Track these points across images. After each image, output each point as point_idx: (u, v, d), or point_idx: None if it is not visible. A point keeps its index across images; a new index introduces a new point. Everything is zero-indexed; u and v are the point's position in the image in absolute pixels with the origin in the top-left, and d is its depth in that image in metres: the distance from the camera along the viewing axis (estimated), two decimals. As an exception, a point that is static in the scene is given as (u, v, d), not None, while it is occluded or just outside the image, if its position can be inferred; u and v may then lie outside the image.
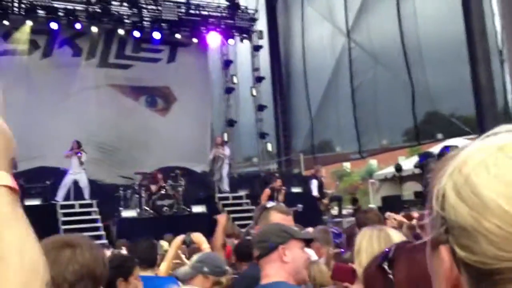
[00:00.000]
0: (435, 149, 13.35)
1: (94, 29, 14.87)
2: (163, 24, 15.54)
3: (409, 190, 13.80)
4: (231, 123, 16.86)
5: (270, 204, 2.70)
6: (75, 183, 12.00)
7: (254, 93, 17.20)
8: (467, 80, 10.60)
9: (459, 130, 12.85)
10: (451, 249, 0.54)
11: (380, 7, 14.74)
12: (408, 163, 15.02)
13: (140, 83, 15.87)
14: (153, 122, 15.79)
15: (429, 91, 13.30)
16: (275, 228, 2.17)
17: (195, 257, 3.18)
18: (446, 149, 12.09)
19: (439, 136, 13.80)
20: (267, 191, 11.39)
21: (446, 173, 0.55)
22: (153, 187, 11.92)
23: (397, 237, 1.98)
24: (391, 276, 1.26)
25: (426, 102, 13.50)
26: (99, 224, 11.52)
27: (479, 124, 10.30)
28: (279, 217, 2.51)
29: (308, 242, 2.26)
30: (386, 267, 1.27)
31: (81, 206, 11.81)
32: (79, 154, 11.82)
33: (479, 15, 10.37)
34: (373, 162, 31.41)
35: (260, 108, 17.16)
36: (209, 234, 5.88)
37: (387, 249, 1.35)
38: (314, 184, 12.69)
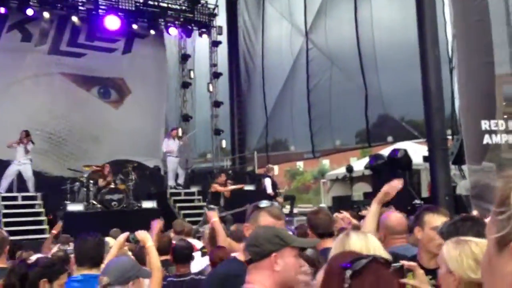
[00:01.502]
0: (386, 151, 13.74)
1: (46, 14, 14.32)
2: (119, 13, 15.15)
3: (359, 191, 14.12)
4: (186, 118, 16.67)
5: (263, 204, 2.52)
6: (19, 174, 11.53)
7: (211, 89, 17.09)
8: (418, 86, 10.91)
9: (408, 134, 13.26)
10: None
11: (338, 11, 14.96)
12: (359, 164, 15.37)
13: (93, 73, 15.42)
14: (106, 114, 15.39)
15: (381, 95, 13.64)
16: (269, 233, 2.05)
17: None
18: (395, 152, 12.47)
19: (390, 139, 14.19)
20: (215, 186, 11.38)
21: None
22: (102, 181, 11.62)
23: (374, 240, 2.01)
24: (345, 285, 1.24)
25: (378, 105, 13.83)
26: (43, 218, 11.12)
27: (427, 129, 10.62)
28: (269, 221, 2.39)
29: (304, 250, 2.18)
30: (348, 274, 1.25)
31: (24, 198, 11.37)
32: (26, 144, 11.35)
33: (432, 23, 10.68)
34: (325, 162, 31.98)
35: (216, 104, 17.07)
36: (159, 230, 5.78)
37: (358, 258, 1.32)
38: (267, 182, 12.75)
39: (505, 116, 10.51)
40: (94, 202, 11.37)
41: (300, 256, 2.11)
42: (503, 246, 0.58)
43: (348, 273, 1.25)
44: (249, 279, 2.02)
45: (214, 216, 4.42)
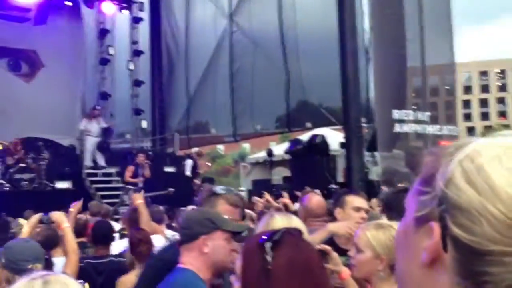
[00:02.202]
0: (304, 137, 14.16)
1: None
2: (33, -19, 14.14)
3: (278, 175, 14.45)
4: (104, 96, 16.03)
5: (220, 190, 2.42)
6: None
7: (131, 67, 16.54)
8: (336, 73, 11.31)
9: (327, 120, 13.74)
10: (443, 226, 0.59)
11: (263, -5, 15.04)
12: (279, 149, 15.72)
13: (2, 43, 14.31)
14: (15, 87, 14.40)
15: (302, 81, 13.98)
16: (200, 217, 2.08)
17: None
18: (314, 137, 12.90)
19: (308, 124, 14.63)
20: (130, 168, 11.14)
21: (455, 160, 0.61)
22: (11, 159, 10.92)
23: (297, 221, 2.05)
24: (268, 257, 1.26)
25: (299, 91, 14.18)
26: None
27: (344, 116, 11.08)
28: (226, 209, 2.31)
29: (237, 234, 2.17)
30: (268, 247, 1.27)
31: None
32: None
33: (351, 14, 11.06)
34: (246, 146, 32.33)
35: (137, 83, 16.57)
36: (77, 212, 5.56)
37: (274, 231, 1.36)
38: (188, 164, 12.69)
39: (414, 107, 11.24)
40: (2, 181, 10.67)
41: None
42: (421, 224, 0.63)
43: (269, 245, 1.28)
44: (181, 260, 2.06)
45: (139, 198, 4.37)
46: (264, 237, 1.31)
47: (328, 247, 2.19)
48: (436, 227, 0.60)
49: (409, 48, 10.93)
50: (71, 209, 4.15)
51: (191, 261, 2.03)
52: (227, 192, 2.40)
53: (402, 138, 10.61)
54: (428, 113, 10.85)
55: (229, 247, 2.09)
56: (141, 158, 11.43)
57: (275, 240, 1.29)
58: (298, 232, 1.40)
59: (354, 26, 11.03)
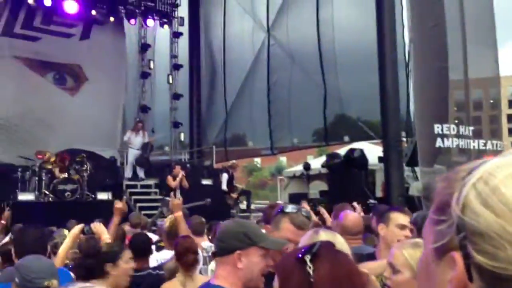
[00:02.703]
0: (342, 150, 14.00)
1: (0, -5, 13.72)
2: (78, -2, 14.68)
3: (315, 189, 14.32)
4: (145, 109, 16.39)
5: (289, 208, 2.32)
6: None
7: (171, 80, 16.86)
8: (375, 87, 11.17)
9: (365, 134, 13.56)
10: (465, 255, 0.56)
11: (301, 8, 15.08)
12: (316, 163, 15.60)
13: (49, 58, 14.90)
14: (61, 101, 14.90)
15: (339, 94, 13.87)
16: (237, 230, 2.05)
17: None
18: (352, 151, 12.74)
19: (346, 138, 14.48)
20: (169, 178, 11.31)
21: (468, 183, 0.58)
22: (56, 170, 11.27)
23: (341, 239, 2.02)
24: (310, 270, 1.25)
25: (336, 105, 14.07)
26: (-9, 207, 10.67)
27: (383, 130, 10.90)
28: (290, 229, 2.22)
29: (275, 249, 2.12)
30: (307, 260, 1.27)
31: (-28, 186, 10.89)
32: None
33: (390, 27, 10.95)
34: (283, 159, 32.25)
35: (176, 96, 16.87)
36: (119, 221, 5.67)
37: (311, 244, 1.35)
38: (224, 177, 12.75)
39: (456, 121, 10.94)
40: (46, 192, 11.01)
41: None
42: (442, 255, 0.60)
43: (308, 257, 1.27)
44: (216, 273, 2.06)
45: (178, 208, 4.40)
46: (304, 250, 1.31)
47: (365, 271, 2.14)
48: (458, 257, 0.57)
49: (451, 60, 10.68)
50: (113, 219, 4.24)
51: (225, 275, 2.01)
52: (295, 211, 2.29)
53: (444, 153, 10.32)
54: (471, 128, 10.53)
55: (264, 264, 2.04)
56: (177, 169, 11.58)
57: (314, 253, 1.28)
58: (332, 245, 1.39)
59: (394, 39, 10.90)
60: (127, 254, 3.05)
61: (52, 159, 11.45)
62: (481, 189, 0.57)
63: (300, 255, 1.29)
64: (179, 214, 4.26)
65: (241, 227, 2.09)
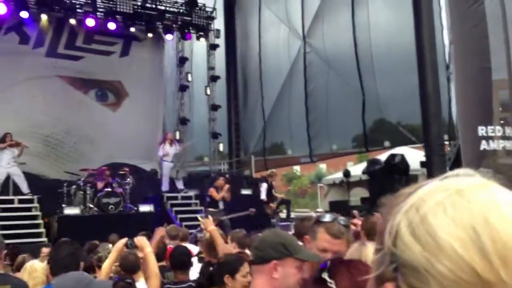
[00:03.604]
0: (383, 156, 13.75)
1: (44, 17, 14.30)
2: (117, 16, 15.14)
3: (356, 196, 14.11)
4: (184, 121, 16.65)
5: (326, 218, 2.29)
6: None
7: (208, 92, 17.08)
8: (415, 90, 10.94)
9: (406, 138, 13.27)
10: (396, 287, 0.53)
11: (336, 15, 14.99)
12: (356, 169, 15.38)
13: (91, 75, 15.40)
14: (103, 116, 15.35)
15: (378, 99, 13.65)
16: (275, 240, 2.06)
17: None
18: (393, 157, 12.49)
19: (386, 143, 14.20)
20: (212, 190, 11.25)
21: (402, 210, 0.54)
22: (99, 184, 11.58)
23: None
24: (332, 285, 1.26)
25: (375, 110, 13.85)
26: (39, 221, 11.08)
27: (425, 134, 10.65)
28: (325, 238, 2.19)
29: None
30: (326, 277, 1.28)
31: (21, 201, 11.32)
32: (14, 147, 11.31)
33: (429, 29, 10.72)
34: (322, 166, 31.99)
35: (214, 107, 17.06)
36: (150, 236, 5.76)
37: (323, 263, 1.36)
38: (263, 187, 12.74)
39: (501, 122, 10.54)
40: (91, 205, 11.33)
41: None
42: (379, 285, 0.56)
43: (326, 275, 1.27)
44: (253, 283, 2.08)
45: (210, 224, 4.42)
46: (321, 267, 1.34)
47: None
48: None
49: (494, 60, 10.33)
50: (155, 235, 4.30)
51: (262, 284, 2.01)
52: (331, 220, 2.26)
53: (490, 155, 9.97)
54: (518, 129, 10.12)
55: (299, 275, 2.03)
56: (220, 181, 11.36)
57: (329, 269, 1.30)
58: (340, 257, 1.41)
59: (433, 40, 10.66)
60: (245, 268, 3.09)
61: (96, 173, 11.76)
62: (412, 218, 0.53)
63: (317, 275, 1.31)
64: (212, 229, 4.28)
65: (278, 237, 2.10)
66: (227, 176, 14.22)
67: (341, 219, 2.30)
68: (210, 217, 4.29)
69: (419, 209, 0.53)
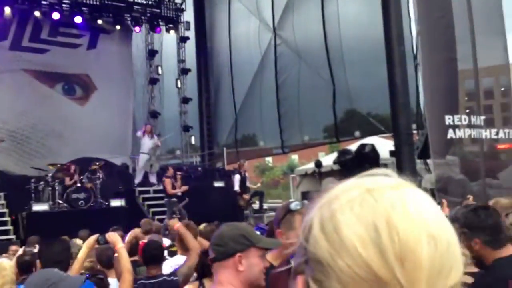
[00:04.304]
0: (353, 146, 13.92)
1: (7, 9, 13.86)
2: (83, 8, 14.80)
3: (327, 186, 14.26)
4: (154, 114, 16.47)
5: (294, 205, 2.32)
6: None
7: (179, 85, 16.92)
8: (384, 81, 11.10)
9: (375, 128, 13.47)
10: (306, 280, 0.54)
11: (306, 6, 15.03)
12: (328, 159, 15.54)
13: (57, 69, 15.03)
14: (71, 111, 15.03)
15: (348, 90, 13.81)
16: (235, 233, 2.04)
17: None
18: (363, 146, 12.66)
19: (357, 134, 14.39)
20: (167, 181, 11.46)
21: (317, 205, 0.55)
22: (68, 180, 11.36)
23: None
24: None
25: (346, 101, 14.00)
26: (7, 218, 10.81)
27: (394, 124, 10.82)
28: None
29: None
30: None
31: (-13, 198, 11.03)
32: None
33: (397, 20, 10.86)
34: (294, 157, 32.22)
35: (185, 100, 16.93)
36: (128, 229, 5.71)
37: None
38: (236, 179, 12.75)
39: (467, 111, 10.81)
40: (60, 201, 11.11)
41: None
42: (294, 277, 0.58)
43: None
44: (217, 279, 2.04)
45: (175, 223, 4.44)
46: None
47: None
48: (300, 282, 0.55)
49: (460, 50, 10.57)
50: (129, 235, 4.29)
51: (228, 279, 1.98)
52: (301, 207, 2.29)
53: (456, 143, 10.22)
54: (483, 117, 10.40)
55: (263, 264, 2.05)
56: (170, 171, 11.91)
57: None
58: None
59: (401, 32, 10.80)
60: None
61: (64, 168, 11.55)
62: (323, 213, 0.54)
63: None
64: (178, 226, 4.31)
65: (237, 229, 2.08)
66: (198, 168, 14.20)
67: (305, 202, 2.34)
68: (174, 216, 4.31)
69: (331, 206, 0.54)
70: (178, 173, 12.02)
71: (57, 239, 3.39)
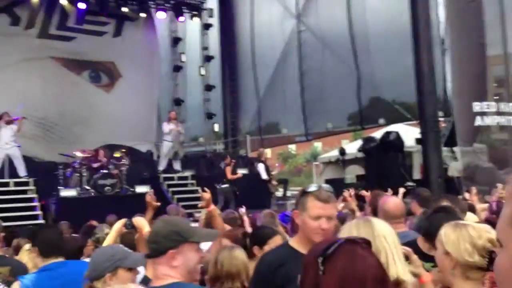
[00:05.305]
0: (378, 134, 13.79)
1: (35, -3, 14.09)
2: (109, -4, 14.91)
3: (351, 173, 14.18)
4: (178, 102, 16.58)
5: (311, 188, 2.38)
6: (9, 159, 11.40)
7: (203, 72, 16.96)
8: (410, 68, 10.92)
9: (400, 116, 13.29)
10: None
11: (330, -8, 14.83)
12: (352, 147, 15.43)
13: (84, 56, 15.23)
14: (97, 98, 15.24)
15: (373, 77, 13.62)
16: (168, 230, 2.04)
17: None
18: (388, 134, 12.54)
19: (381, 121, 14.23)
20: (228, 169, 11.79)
21: None
22: (95, 166, 11.57)
23: (381, 227, 1.93)
24: (320, 272, 1.22)
25: (370, 88, 13.83)
26: (36, 204, 11.09)
27: (420, 111, 10.66)
28: (317, 205, 2.27)
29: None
30: (320, 261, 1.22)
31: (17, 184, 11.30)
32: (13, 125, 11.20)
33: (424, 5, 10.65)
34: (317, 145, 32.08)
35: (208, 88, 16.97)
36: (155, 215, 5.78)
37: (331, 242, 1.28)
38: (261, 167, 12.78)
39: (496, 97, 10.58)
40: (87, 187, 11.34)
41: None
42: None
43: (320, 259, 1.22)
44: (155, 275, 2.06)
45: (209, 202, 4.38)
46: (322, 249, 1.26)
47: (409, 249, 2.11)
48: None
49: (489, 36, 10.32)
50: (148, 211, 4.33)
51: (167, 273, 2.01)
52: (318, 188, 2.35)
53: (484, 131, 10.03)
54: (512, 104, 10.16)
55: (198, 257, 2.08)
56: (228, 160, 12.28)
57: (328, 254, 1.23)
58: (361, 241, 1.30)
59: (428, 17, 10.60)
60: (275, 240, 3.10)
61: (92, 155, 11.76)
62: None
63: (315, 254, 1.25)
64: (213, 208, 4.24)
65: (170, 226, 2.09)
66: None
67: (325, 186, 2.40)
68: (207, 190, 4.21)
69: None
70: (233, 160, 12.48)
71: (49, 225, 3.43)
